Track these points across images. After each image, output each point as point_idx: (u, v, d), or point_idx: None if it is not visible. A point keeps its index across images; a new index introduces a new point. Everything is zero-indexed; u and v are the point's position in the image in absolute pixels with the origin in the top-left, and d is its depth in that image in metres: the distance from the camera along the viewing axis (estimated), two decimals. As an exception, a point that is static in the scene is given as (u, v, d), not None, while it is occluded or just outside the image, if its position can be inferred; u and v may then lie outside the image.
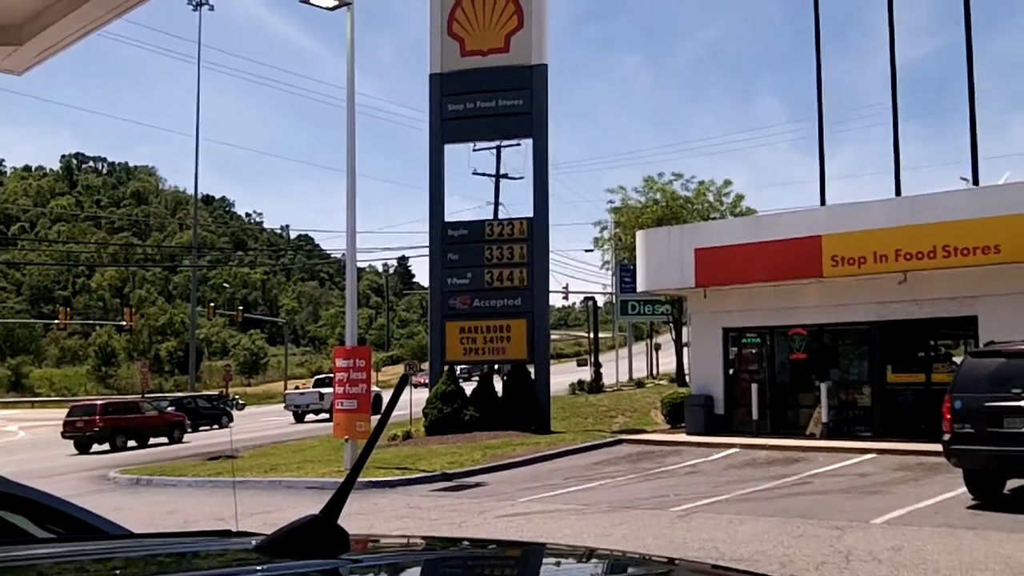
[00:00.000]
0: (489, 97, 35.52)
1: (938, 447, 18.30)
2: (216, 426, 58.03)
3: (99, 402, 48.47)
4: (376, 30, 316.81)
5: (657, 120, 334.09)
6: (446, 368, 34.86)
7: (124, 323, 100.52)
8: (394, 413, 3.81)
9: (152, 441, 47.52)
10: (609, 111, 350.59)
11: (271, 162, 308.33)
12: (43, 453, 44.68)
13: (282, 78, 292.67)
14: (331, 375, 35.07)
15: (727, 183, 56.55)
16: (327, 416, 54.17)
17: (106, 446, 45.52)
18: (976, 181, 30.33)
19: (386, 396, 58.99)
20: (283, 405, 64.07)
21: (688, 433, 32.00)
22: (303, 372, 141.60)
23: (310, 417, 61.19)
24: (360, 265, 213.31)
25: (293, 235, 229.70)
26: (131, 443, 46.61)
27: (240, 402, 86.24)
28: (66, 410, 49.05)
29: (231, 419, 60.00)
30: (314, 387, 63.60)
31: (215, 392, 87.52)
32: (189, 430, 51.83)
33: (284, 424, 58.70)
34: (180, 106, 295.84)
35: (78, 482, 30.05)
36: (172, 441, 47.76)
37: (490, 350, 34.91)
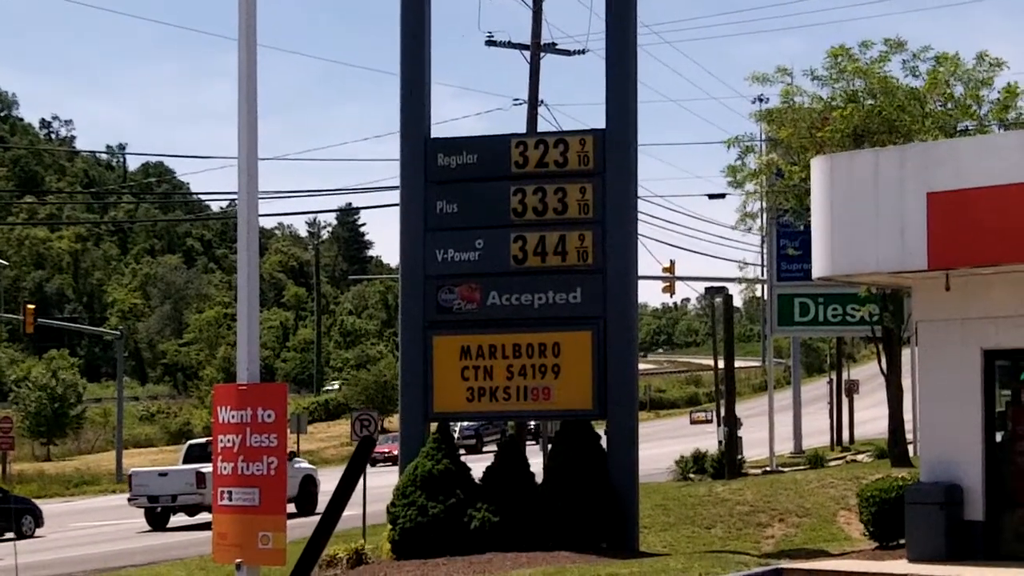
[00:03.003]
0: None
1: None
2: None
3: None
4: None
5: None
6: (434, 427, 24.32)
7: None
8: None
9: None
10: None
11: (90, 21, 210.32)
12: None
13: None
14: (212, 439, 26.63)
15: (991, 64, 35.91)
16: (209, 517, 34.82)
17: None
18: None
19: (322, 479, 39.96)
20: (127, 496, 39.80)
21: (913, 560, 21.83)
22: (152, 433, 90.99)
23: (178, 519, 38.52)
24: (267, 223, 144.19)
25: (134, 165, 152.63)
26: None
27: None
28: None
29: (38, 522, 38.76)
30: (186, 461, 39.75)
31: None
32: None
33: (124, 533, 36.95)
34: None
35: None
36: None
37: (520, 392, 24.13)
